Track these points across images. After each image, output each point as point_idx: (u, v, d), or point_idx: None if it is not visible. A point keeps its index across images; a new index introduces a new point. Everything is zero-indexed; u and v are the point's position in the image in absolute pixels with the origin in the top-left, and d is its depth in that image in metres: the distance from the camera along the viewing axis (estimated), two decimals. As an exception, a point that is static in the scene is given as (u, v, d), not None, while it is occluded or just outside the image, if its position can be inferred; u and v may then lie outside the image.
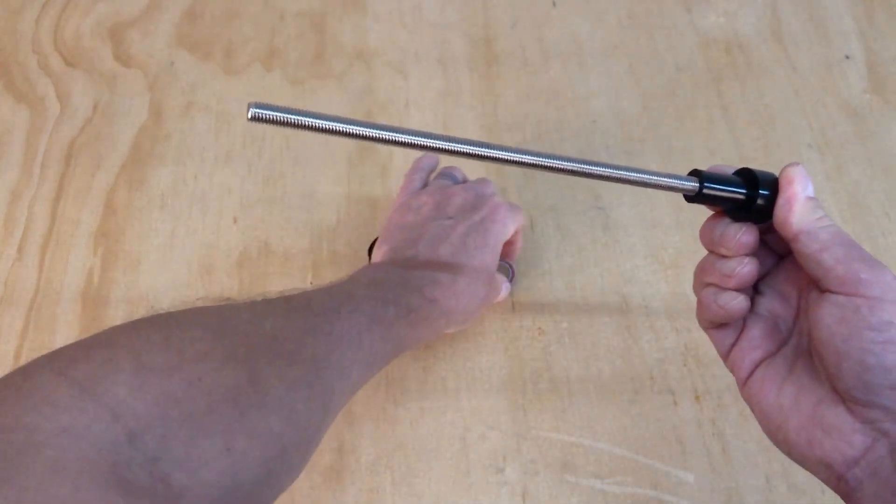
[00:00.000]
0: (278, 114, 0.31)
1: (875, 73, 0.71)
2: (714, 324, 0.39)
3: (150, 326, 0.35)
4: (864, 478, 0.33)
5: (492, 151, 0.33)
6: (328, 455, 0.52)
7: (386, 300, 0.45)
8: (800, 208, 0.35)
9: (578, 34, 0.74)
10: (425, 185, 0.57)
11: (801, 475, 0.51)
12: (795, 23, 0.75)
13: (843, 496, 0.34)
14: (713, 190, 0.36)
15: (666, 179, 0.36)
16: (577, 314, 0.58)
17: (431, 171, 0.59)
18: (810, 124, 0.68)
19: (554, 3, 0.76)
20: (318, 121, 0.32)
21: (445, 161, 0.60)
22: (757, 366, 0.38)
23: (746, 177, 0.36)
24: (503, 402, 0.54)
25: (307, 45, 0.73)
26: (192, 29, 0.74)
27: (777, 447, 0.37)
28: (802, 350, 0.36)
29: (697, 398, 0.54)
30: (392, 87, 0.70)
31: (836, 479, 0.34)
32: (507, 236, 0.54)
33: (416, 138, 0.32)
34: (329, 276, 0.59)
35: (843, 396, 0.33)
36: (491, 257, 0.52)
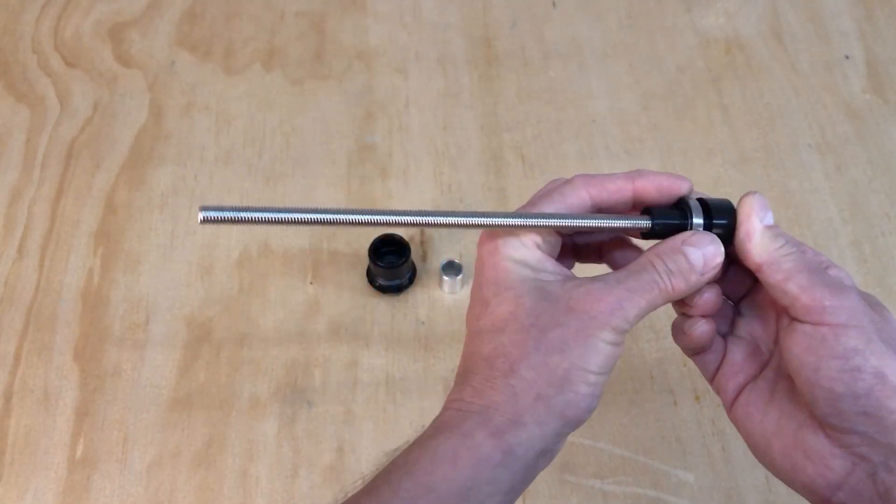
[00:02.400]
0: (228, 213, 0.32)
1: (875, 73, 0.71)
2: (690, 350, 0.39)
3: None
4: (849, 501, 0.33)
5: (442, 219, 0.35)
6: (328, 455, 0.52)
7: None
8: (759, 239, 0.35)
9: (578, 34, 0.74)
10: None
11: (801, 475, 0.51)
12: (795, 23, 0.75)
13: None
14: (665, 227, 0.37)
15: (618, 221, 0.37)
16: (577, 314, 0.58)
17: None
18: (810, 124, 0.68)
19: (554, 4, 0.76)
20: (266, 214, 0.32)
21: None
22: (741, 390, 0.38)
23: (704, 207, 0.37)
24: (503, 401, 0.54)
25: (307, 45, 0.73)
26: (193, 29, 0.74)
27: (766, 469, 0.37)
28: (783, 372, 0.36)
29: (697, 398, 0.54)
30: (392, 87, 0.70)
31: (822, 502, 0.34)
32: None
33: (365, 216, 0.34)
34: (329, 275, 0.59)
35: (820, 422, 0.33)
36: None
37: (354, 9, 0.75)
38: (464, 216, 0.35)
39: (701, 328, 0.37)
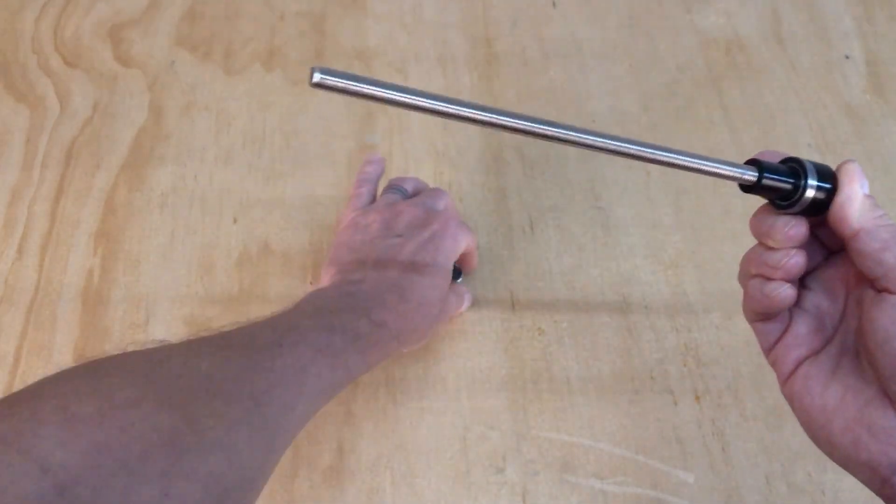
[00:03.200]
0: (342, 81, 0.30)
1: (875, 73, 0.71)
2: (760, 315, 0.38)
3: (76, 376, 0.34)
4: None
5: (565, 132, 0.35)
6: (328, 455, 0.52)
7: (332, 328, 0.44)
8: (860, 206, 0.35)
9: (578, 34, 0.74)
10: (374, 198, 0.56)
11: (801, 475, 0.51)
12: (795, 23, 0.75)
13: (887, 500, 0.33)
14: (772, 181, 0.35)
15: (723, 168, 0.36)
16: (577, 314, 0.58)
17: (378, 180, 0.58)
18: (810, 124, 0.68)
19: (554, 3, 0.76)
20: (380, 90, 0.31)
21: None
22: (800, 363, 0.37)
23: (801, 168, 0.36)
24: (503, 402, 0.54)
25: (307, 44, 0.73)
26: (193, 29, 0.74)
27: (818, 447, 0.36)
28: (848, 349, 0.36)
29: (697, 398, 0.54)
30: (392, 87, 0.70)
31: (880, 481, 0.33)
32: (459, 252, 0.53)
33: (478, 112, 0.33)
34: (329, 276, 0.59)
35: (892, 400, 0.33)
36: (442, 275, 0.51)
37: (354, 9, 0.75)
38: (585, 134, 0.35)
39: (786, 291, 0.37)
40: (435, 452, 0.52)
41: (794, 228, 0.36)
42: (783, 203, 0.36)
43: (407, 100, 0.31)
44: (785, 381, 0.38)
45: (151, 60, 0.71)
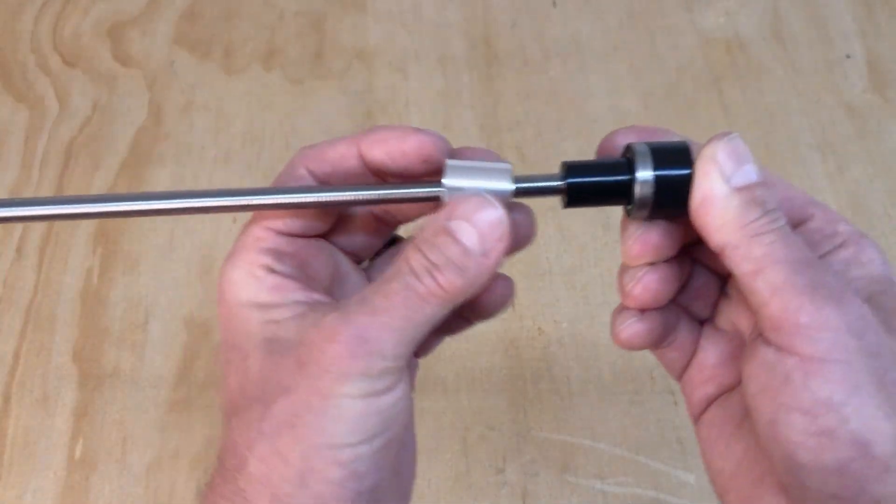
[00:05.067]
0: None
1: (876, 72, 0.71)
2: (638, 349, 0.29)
3: None
4: None
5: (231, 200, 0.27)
6: (328, 455, 0.52)
7: None
8: (721, 210, 0.24)
9: (579, 34, 0.74)
10: None
11: (802, 476, 0.51)
12: (796, 22, 0.75)
13: None
14: (587, 183, 0.26)
15: (530, 184, 0.27)
16: (577, 314, 0.58)
17: None
18: (811, 124, 0.68)
19: (554, 3, 0.76)
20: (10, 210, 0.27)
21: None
22: (710, 403, 0.28)
23: (633, 157, 0.26)
24: (503, 402, 0.54)
25: (307, 44, 0.73)
26: (192, 28, 0.73)
27: None
28: None
29: (698, 398, 0.54)
30: (392, 86, 0.70)
31: None
32: None
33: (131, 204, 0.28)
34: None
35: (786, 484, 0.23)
36: None
37: (354, 8, 0.75)
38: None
39: (632, 329, 0.27)
40: (435, 452, 0.52)
41: (639, 240, 0.26)
42: (629, 208, 0.27)
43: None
44: (695, 423, 0.29)
45: (151, 60, 0.71)
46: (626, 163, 0.26)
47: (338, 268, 0.29)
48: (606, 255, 0.60)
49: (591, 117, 0.68)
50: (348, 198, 0.26)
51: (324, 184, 0.27)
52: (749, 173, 0.24)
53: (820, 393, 0.21)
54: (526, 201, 0.28)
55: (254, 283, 0.25)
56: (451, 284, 0.24)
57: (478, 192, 0.25)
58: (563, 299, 0.58)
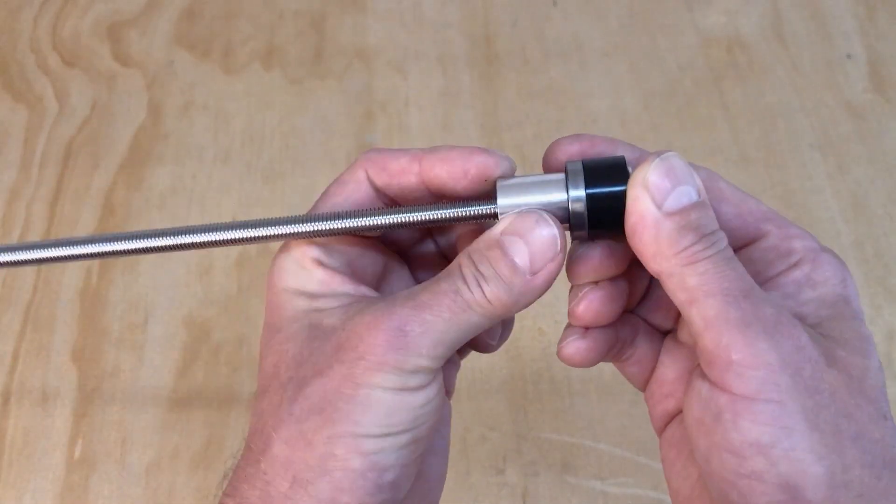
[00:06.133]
0: None
1: (877, 72, 0.71)
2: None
3: None
4: None
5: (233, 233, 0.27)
6: (327, 456, 0.52)
7: None
8: (652, 238, 0.23)
9: (579, 33, 0.74)
10: None
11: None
12: (797, 22, 0.74)
13: None
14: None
15: (458, 210, 0.27)
16: (578, 314, 0.58)
17: None
18: (812, 124, 0.68)
19: (554, 2, 0.76)
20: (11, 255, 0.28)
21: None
22: (671, 419, 0.27)
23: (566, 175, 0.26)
24: (503, 402, 0.54)
25: (306, 44, 0.72)
26: (191, 28, 0.73)
27: None
28: None
29: (698, 399, 0.54)
30: (392, 86, 0.70)
31: None
32: None
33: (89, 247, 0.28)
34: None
35: None
36: None
37: (354, 8, 0.75)
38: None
39: (573, 346, 0.27)
40: (435, 453, 0.52)
41: (577, 260, 0.26)
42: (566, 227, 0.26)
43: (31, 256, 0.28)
44: (659, 437, 0.28)
45: (150, 59, 0.71)
46: (563, 180, 0.26)
47: (386, 264, 0.29)
48: (607, 255, 0.60)
49: (591, 117, 0.68)
50: (404, 220, 0.27)
51: (379, 192, 0.28)
52: (684, 194, 0.23)
53: (748, 434, 0.20)
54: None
55: (303, 274, 0.26)
56: (497, 298, 0.25)
57: (535, 209, 0.25)
58: (563, 299, 0.58)
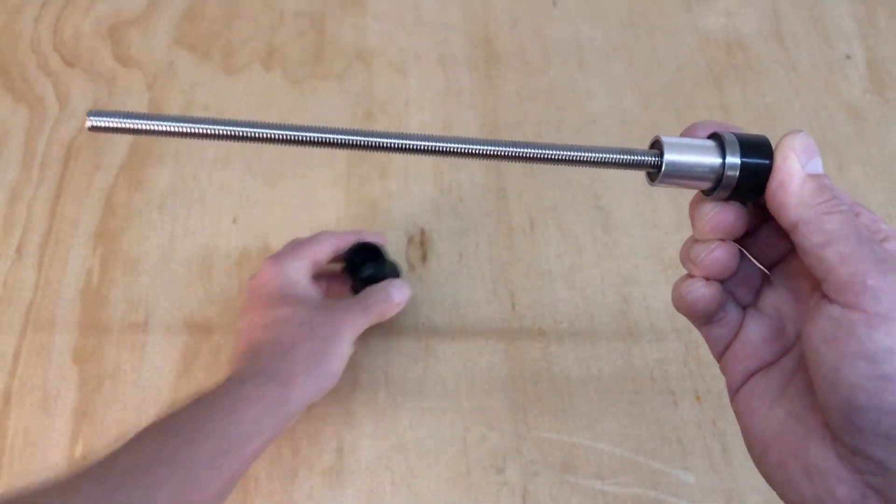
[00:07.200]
0: (117, 120, 0.29)
1: (876, 72, 0.71)
2: (690, 317, 0.32)
3: None
4: None
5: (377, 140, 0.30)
6: (328, 455, 0.52)
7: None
8: (798, 190, 0.28)
9: (579, 34, 0.74)
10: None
11: (802, 476, 0.51)
12: (796, 22, 0.75)
13: None
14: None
15: (623, 156, 0.30)
16: (577, 314, 0.58)
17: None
18: (811, 124, 0.68)
19: (554, 3, 0.76)
20: (159, 123, 0.29)
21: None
22: (750, 376, 0.31)
23: (720, 144, 0.29)
24: (503, 402, 0.54)
25: (307, 44, 0.73)
26: (192, 28, 0.73)
27: (762, 476, 0.31)
28: (804, 363, 0.29)
29: (698, 398, 0.54)
30: (392, 86, 0.70)
31: None
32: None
33: (285, 132, 0.31)
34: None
35: (833, 436, 0.27)
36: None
37: (354, 8, 0.75)
38: (459, 143, 0.29)
39: (699, 291, 0.31)
40: (435, 453, 0.52)
41: (715, 218, 0.30)
42: (709, 188, 0.30)
43: (190, 129, 0.29)
44: (733, 395, 0.32)
45: (151, 60, 0.71)
46: (715, 147, 0.29)
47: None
48: (606, 255, 0.60)
49: (591, 117, 0.68)
50: (567, 156, 0.29)
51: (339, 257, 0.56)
52: (819, 164, 0.28)
53: (883, 343, 0.25)
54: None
55: (301, 275, 0.51)
56: (387, 311, 0.54)
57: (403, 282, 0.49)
58: (563, 299, 0.58)
